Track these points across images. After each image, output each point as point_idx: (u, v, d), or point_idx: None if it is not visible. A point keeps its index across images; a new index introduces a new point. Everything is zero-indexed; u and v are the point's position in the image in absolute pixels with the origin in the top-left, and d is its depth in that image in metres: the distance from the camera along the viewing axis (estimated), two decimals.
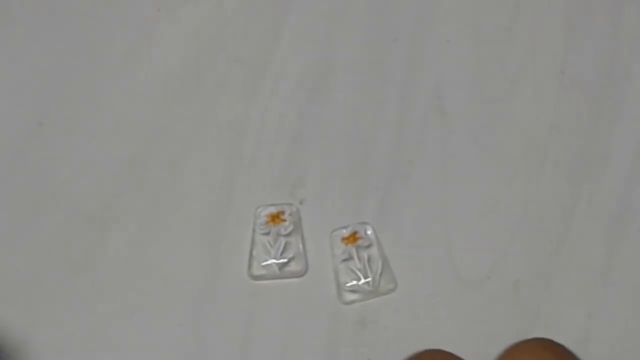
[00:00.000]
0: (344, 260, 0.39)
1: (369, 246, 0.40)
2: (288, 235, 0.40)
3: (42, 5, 0.47)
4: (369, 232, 0.40)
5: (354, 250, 0.39)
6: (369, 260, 0.39)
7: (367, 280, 0.39)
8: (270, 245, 0.39)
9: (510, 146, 0.42)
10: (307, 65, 0.45)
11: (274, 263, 0.39)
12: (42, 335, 0.38)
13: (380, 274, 0.39)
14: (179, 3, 0.48)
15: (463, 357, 0.37)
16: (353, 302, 0.39)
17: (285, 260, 0.39)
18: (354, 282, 0.39)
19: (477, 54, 0.45)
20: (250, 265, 0.39)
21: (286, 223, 0.40)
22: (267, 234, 0.40)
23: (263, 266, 0.39)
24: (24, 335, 0.38)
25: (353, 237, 0.40)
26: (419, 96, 0.44)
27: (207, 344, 0.38)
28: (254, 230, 0.40)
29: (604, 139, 0.42)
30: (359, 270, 0.39)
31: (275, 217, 0.40)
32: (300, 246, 0.40)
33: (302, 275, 0.39)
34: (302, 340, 0.38)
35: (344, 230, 0.40)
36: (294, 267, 0.39)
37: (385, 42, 0.46)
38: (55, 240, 0.41)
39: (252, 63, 0.45)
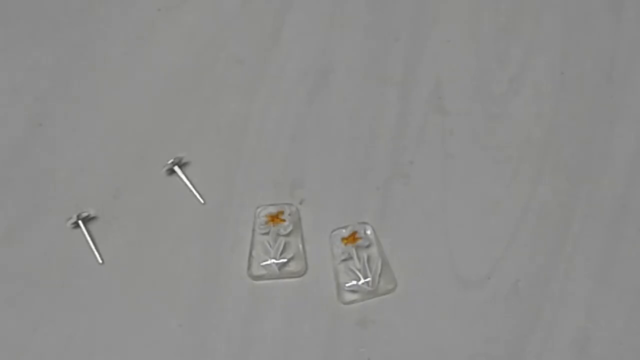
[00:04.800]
0: (344, 260, 0.39)
1: (368, 246, 0.40)
2: (287, 235, 0.40)
3: (42, 5, 0.48)
4: (368, 232, 0.40)
5: (353, 250, 0.39)
6: (368, 260, 0.39)
7: (367, 280, 0.39)
8: (270, 245, 0.39)
9: (510, 146, 0.42)
10: (307, 65, 0.45)
11: (274, 263, 0.39)
12: (42, 336, 0.38)
13: (380, 274, 0.39)
14: (179, 3, 0.48)
15: (463, 357, 0.37)
16: (353, 302, 0.39)
17: (284, 260, 0.39)
18: (354, 282, 0.39)
19: (477, 54, 0.45)
20: (250, 266, 0.39)
21: (286, 223, 0.40)
22: (267, 233, 0.40)
23: (263, 266, 0.39)
24: (24, 335, 0.38)
25: (352, 237, 0.40)
26: (419, 96, 0.44)
27: (207, 344, 0.38)
28: (253, 230, 0.40)
29: (604, 139, 0.42)
30: (359, 270, 0.39)
31: (275, 217, 0.40)
32: (300, 246, 0.40)
33: (301, 275, 0.39)
34: (302, 340, 0.38)
35: (344, 230, 0.40)
36: (293, 267, 0.39)
37: (385, 42, 0.46)
38: (55, 240, 0.41)
39: (252, 63, 0.45)
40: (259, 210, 0.41)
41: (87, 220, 0.41)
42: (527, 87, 0.44)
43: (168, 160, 0.41)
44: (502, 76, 0.44)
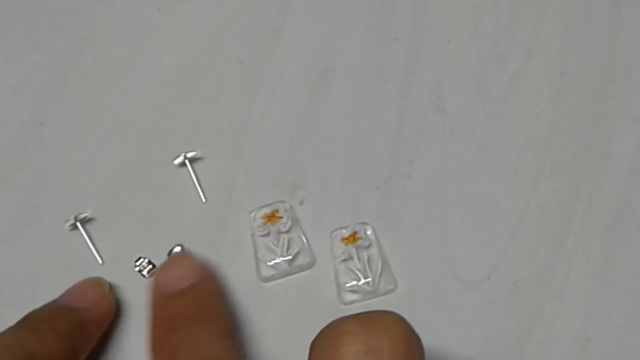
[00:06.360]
0: (344, 260, 0.39)
1: (368, 246, 0.40)
2: (288, 231, 0.40)
3: (42, 5, 0.48)
4: (368, 232, 0.40)
5: (353, 251, 0.39)
6: (368, 260, 0.39)
7: (367, 280, 0.39)
8: (274, 244, 0.39)
9: (510, 146, 0.42)
10: (307, 65, 0.45)
11: (282, 260, 0.39)
12: None
13: (380, 274, 0.39)
14: (179, 3, 0.48)
15: (463, 357, 0.37)
16: (353, 302, 0.39)
17: (291, 256, 0.39)
18: (354, 283, 0.39)
19: (477, 54, 0.45)
20: (258, 269, 0.39)
21: (283, 220, 0.40)
22: (267, 234, 0.40)
23: (271, 266, 0.39)
24: None
25: (353, 237, 0.40)
26: (419, 96, 0.44)
27: None
28: (253, 235, 0.40)
29: (604, 139, 0.42)
30: (359, 270, 0.39)
31: (271, 217, 0.40)
32: (303, 239, 0.40)
33: (311, 267, 0.39)
34: (302, 341, 0.38)
35: (344, 231, 0.40)
36: (301, 260, 0.39)
37: (385, 42, 0.46)
38: (55, 240, 0.41)
39: (252, 63, 0.45)
40: (252, 214, 0.40)
41: (85, 221, 0.41)
42: (527, 87, 0.44)
43: (181, 153, 0.41)
44: (502, 76, 0.44)
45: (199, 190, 0.41)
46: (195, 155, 0.42)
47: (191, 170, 0.41)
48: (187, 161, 0.42)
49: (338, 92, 0.44)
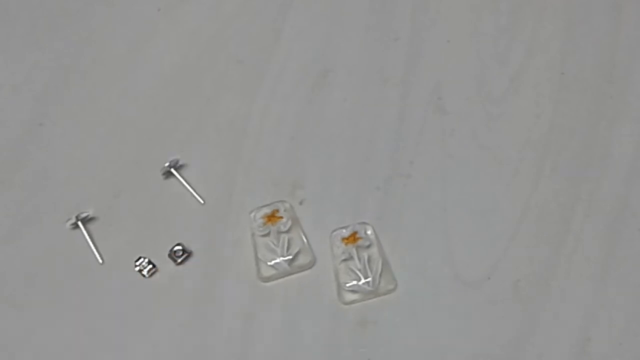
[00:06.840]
0: (344, 260, 0.39)
1: (369, 246, 0.40)
2: (288, 231, 0.40)
3: (42, 5, 0.48)
4: (369, 232, 0.40)
5: (354, 251, 0.39)
6: (369, 260, 0.39)
7: (367, 280, 0.39)
8: (274, 244, 0.39)
9: (510, 146, 0.42)
10: (307, 65, 0.45)
11: (282, 260, 0.39)
12: (42, 336, 0.38)
13: (380, 274, 0.39)
14: (179, 3, 0.48)
15: (463, 357, 0.37)
16: (353, 302, 0.39)
17: (291, 256, 0.39)
18: (354, 282, 0.39)
19: (477, 54, 0.45)
20: (258, 269, 0.39)
21: (284, 219, 0.40)
22: (267, 234, 0.40)
23: (272, 266, 0.39)
24: (24, 335, 0.38)
25: (353, 237, 0.40)
26: (419, 96, 0.44)
27: (208, 344, 0.38)
28: (253, 235, 0.40)
29: (604, 139, 0.42)
30: (359, 270, 0.39)
31: (271, 217, 0.40)
32: (304, 238, 0.40)
33: (311, 267, 0.39)
34: (303, 340, 0.38)
35: (344, 231, 0.40)
36: (302, 260, 0.39)
37: (385, 42, 0.46)
38: (56, 240, 0.41)
39: (252, 63, 0.45)
40: (252, 214, 0.40)
41: (86, 220, 0.41)
42: (527, 87, 0.44)
43: (164, 164, 0.41)
44: (502, 76, 0.44)
45: (194, 194, 0.41)
46: (179, 161, 0.42)
47: (180, 178, 0.41)
48: (172, 170, 0.41)
49: (338, 92, 0.44)
